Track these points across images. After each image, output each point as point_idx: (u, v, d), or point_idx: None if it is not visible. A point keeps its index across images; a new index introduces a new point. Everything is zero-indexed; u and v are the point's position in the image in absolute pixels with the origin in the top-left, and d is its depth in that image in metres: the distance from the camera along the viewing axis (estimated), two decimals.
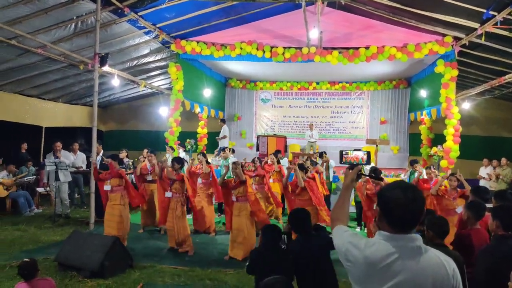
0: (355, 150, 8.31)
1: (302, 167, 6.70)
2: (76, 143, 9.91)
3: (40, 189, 10.14)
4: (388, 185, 1.81)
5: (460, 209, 5.21)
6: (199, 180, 7.98)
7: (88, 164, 9.34)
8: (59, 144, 9.19)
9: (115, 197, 6.73)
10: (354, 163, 2.32)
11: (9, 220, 8.39)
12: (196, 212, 7.33)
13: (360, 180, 6.37)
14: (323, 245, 3.19)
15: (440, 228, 3.08)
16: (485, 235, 3.41)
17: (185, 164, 8.06)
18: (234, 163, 6.71)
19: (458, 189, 6.12)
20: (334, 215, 2.07)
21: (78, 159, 9.75)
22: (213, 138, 13.80)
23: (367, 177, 6.33)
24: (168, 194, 6.65)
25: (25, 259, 4.00)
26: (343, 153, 8.47)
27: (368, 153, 7.55)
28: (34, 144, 12.13)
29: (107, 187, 6.75)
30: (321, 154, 10.03)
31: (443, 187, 6.33)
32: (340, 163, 8.25)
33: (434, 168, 7.62)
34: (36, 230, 7.71)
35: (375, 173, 6.49)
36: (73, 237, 5.74)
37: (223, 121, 13.32)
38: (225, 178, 6.81)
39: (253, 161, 8.26)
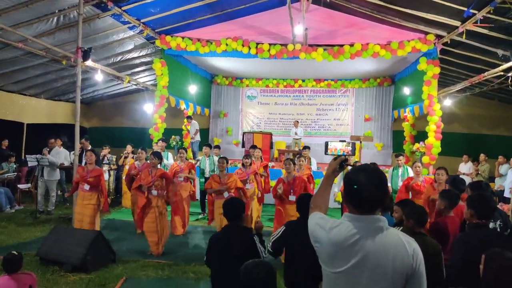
0: (340, 141, 8.14)
1: (293, 162, 6.55)
2: (59, 139, 9.73)
3: (21, 186, 9.97)
4: (353, 168, 1.87)
5: None
6: (180, 178, 7.56)
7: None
8: (52, 141, 9.03)
9: (91, 197, 6.32)
10: (339, 154, 2.34)
11: None
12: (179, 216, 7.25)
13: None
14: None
15: (420, 217, 3.14)
16: (458, 223, 3.52)
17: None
18: (223, 157, 6.49)
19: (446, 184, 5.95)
20: (313, 203, 2.10)
21: (60, 155, 9.61)
22: (201, 134, 13.70)
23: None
24: (155, 192, 6.17)
25: (12, 252, 3.95)
26: (328, 144, 8.40)
27: (353, 144, 7.45)
28: (16, 141, 11.93)
29: (86, 187, 6.30)
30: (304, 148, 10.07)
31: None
32: (325, 154, 8.20)
33: (419, 163, 7.41)
34: (17, 226, 7.59)
35: None
36: (55, 232, 5.68)
37: (189, 117, 13.16)
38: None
39: (247, 157, 7.75)
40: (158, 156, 6.41)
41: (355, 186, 1.76)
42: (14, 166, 10.24)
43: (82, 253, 5.10)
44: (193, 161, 10.15)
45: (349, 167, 2.11)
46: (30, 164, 8.77)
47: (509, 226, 4.10)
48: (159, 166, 6.48)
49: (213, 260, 3.32)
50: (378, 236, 1.71)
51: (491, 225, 3.28)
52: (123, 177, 8.88)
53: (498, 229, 3.57)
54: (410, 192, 6.58)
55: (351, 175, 1.81)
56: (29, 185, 10.03)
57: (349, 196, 1.80)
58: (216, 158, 9.26)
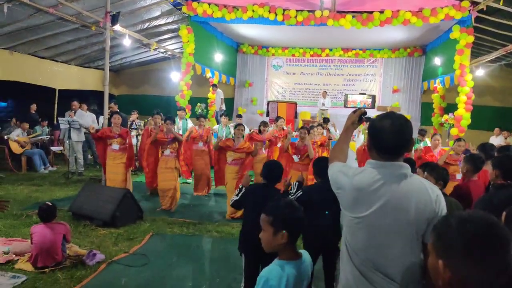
0: (360, 93, 7.89)
1: (308, 131, 6.81)
2: (84, 104, 10.05)
3: (54, 148, 10.41)
4: (379, 115, 1.86)
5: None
6: (200, 144, 7.93)
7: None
8: (75, 104, 9.39)
9: (121, 156, 6.74)
10: (358, 106, 2.32)
11: (25, 177, 8.69)
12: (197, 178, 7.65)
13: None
14: None
15: (440, 174, 3.13)
16: (481, 186, 3.47)
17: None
18: (240, 124, 6.71)
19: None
20: (332, 154, 2.13)
21: (87, 119, 9.91)
22: (226, 103, 13.84)
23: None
24: (167, 152, 6.65)
25: (47, 202, 4.22)
26: (347, 97, 8.46)
27: (373, 97, 7.33)
28: (48, 106, 12.36)
29: (115, 146, 6.69)
30: (326, 120, 10.13)
31: (451, 153, 6.21)
32: (345, 106, 8.31)
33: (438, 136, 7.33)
34: (50, 185, 7.98)
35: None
36: (87, 188, 5.95)
37: (215, 86, 13.31)
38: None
39: (265, 124, 8.07)
40: (172, 120, 6.82)
41: (380, 132, 1.77)
42: (47, 129, 10.66)
43: (112, 209, 5.35)
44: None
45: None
46: (62, 126, 9.12)
47: None
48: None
49: (247, 210, 3.41)
50: (402, 182, 1.72)
51: None
52: None
53: None
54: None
55: (377, 122, 1.82)
56: (61, 147, 10.44)
57: (374, 142, 1.81)
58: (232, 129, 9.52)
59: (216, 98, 13.27)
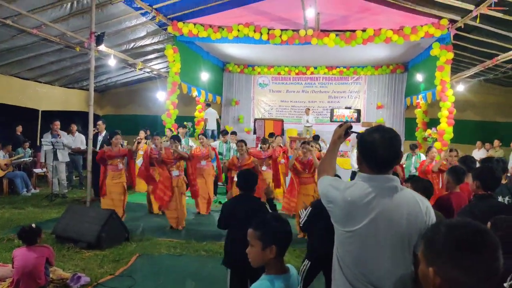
0: (346, 107, 8.07)
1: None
2: (73, 124, 9.95)
3: (37, 170, 10.22)
4: (368, 129, 1.89)
5: None
6: (203, 162, 7.94)
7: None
8: (57, 123, 9.24)
9: (120, 175, 6.76)
10: (346, 120, 2.34)
11: (7, 200, 8.49)
12: (198, 196, 7.51)
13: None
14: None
15: (426, 189, 3.16)
16: (464, 198, 3.51)
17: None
18: (241, 141, 6.82)
19: None
20: (321, 168, 2.15)
21: (76, 140, 9.79)
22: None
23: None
24: (176, 173, 6.68)
25: (30, 224, 4.11)
26: (334, 111, 8.56)
27: (359, 111, 7.52)
28: (31, 127, 12.17)
29: (120, 166, 6.71)
30: (316, 137, 10.12)
31: (444, 162, 6.57)
32: (331, 121, 8.41)
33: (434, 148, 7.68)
34: (33, 208, 7.81)
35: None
36: (70, 210, 5.84)
37: (208, 105, 13.49)
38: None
39: (264, 141, 8.06)
40: (177, 139, 6.86)
41: (369, 146, 1.79)
42: (30, 151, 10.49)
43: (97, 230, 5.25)
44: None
45: (354, 134, 2.14)
46: (45, 148, 8.97)
47: None
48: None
49: (228, 226, 3.38)
50: (393, 195, 1.74)
51: (499, 199, 3.28)
52: (136, 162, 9.09)
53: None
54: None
55: (367, 135, 1.83)
56: (44, 169, 10.27)
57: (364, 155, 1.83)
58: (233, 144, 9.59)
59: (206, 117, 13.36)
